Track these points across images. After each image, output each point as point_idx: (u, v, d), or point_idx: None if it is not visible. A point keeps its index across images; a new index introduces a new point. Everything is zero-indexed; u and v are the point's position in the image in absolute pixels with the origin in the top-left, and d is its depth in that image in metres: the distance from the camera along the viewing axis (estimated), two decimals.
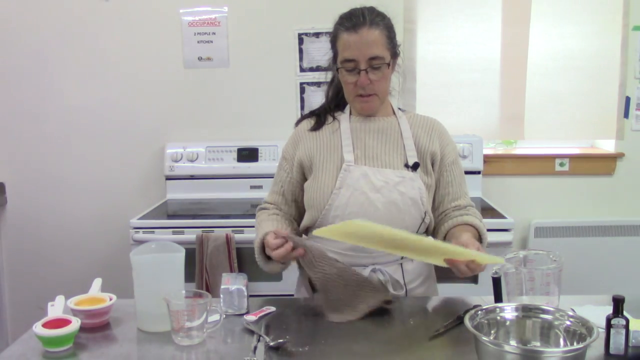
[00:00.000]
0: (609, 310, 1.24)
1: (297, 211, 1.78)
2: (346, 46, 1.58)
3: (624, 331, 1.22)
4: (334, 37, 1.64)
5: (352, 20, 1.58)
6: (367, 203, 1.60)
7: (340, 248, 1.63)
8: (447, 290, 1.80)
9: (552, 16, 3.02)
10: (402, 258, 1.66)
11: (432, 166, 1.69)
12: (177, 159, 3.04)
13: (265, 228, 1.63)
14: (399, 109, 1.77)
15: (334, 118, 1.74)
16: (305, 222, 1.72)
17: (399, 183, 1.61)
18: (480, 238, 1.64)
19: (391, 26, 1.64)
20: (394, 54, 1.64)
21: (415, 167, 1.64)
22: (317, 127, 1.74)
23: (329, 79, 1.80)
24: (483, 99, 3.09)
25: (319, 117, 1.76)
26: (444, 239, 1.67)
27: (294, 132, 1.79)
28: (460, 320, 1.38)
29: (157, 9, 3.05)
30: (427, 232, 1.73)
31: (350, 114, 1.73)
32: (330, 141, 1.70)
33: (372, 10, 1.61)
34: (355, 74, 1.59)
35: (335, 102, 1.77)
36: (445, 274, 1.86)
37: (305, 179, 1.73)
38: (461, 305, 1.54)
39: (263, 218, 1.74)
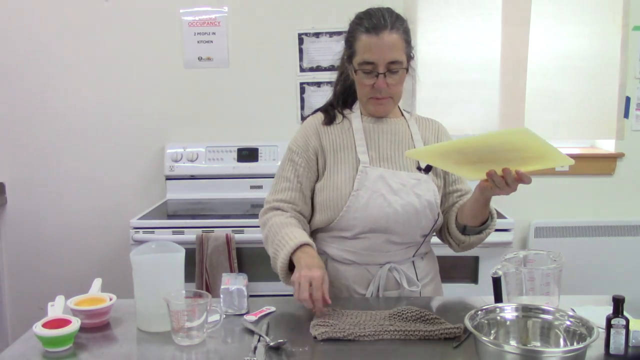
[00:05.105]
0: (609, 310, 1.24)
1: (311, 211, 1.71)
2: (366, 49, 1.56)
3: (624, 331, 1.22)
4: (351, 37, 1.62)
5: (372, 22, 1.56)
6: (386, 205, 1.59)
7: (357, 248, 1.64)
8: (447, 291, 1.80)
9: (552, 16, 3.02)
10: (413, 256, 1.68)
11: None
12: (177, 159, 3.04)
13: (299, 236, 1.55)
14: (405, 110, 1.77)
15: (344, 116, 1.72)
16: (317, 223, 1.68)
17: (415, 185, 1.62)
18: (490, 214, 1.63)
19: (409, 30, 1.63)
20: (410, 57, 1.63)
21: (427, 169, 1.65)
22: (328, 122, 1.70)
23: (332, 78, 1.79)
24: (483, 99, 3.09)
25: (328, 113, 1.73)
26: (456, 220, 1.66)
27: (304, 125, 1.73)
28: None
29: (157, 9, 3.05)
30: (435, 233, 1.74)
31: (361, 113, 1.71)
32: (342, 140, 1.68)
33: (391, 12, 1.60)
34: (372, 77, 1.58)
35: (343, 99, 1.74)
36: (446, 274, 1.88)
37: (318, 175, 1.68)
38: (463, 306, 1.54)
39: (285, 222, 1.61)
